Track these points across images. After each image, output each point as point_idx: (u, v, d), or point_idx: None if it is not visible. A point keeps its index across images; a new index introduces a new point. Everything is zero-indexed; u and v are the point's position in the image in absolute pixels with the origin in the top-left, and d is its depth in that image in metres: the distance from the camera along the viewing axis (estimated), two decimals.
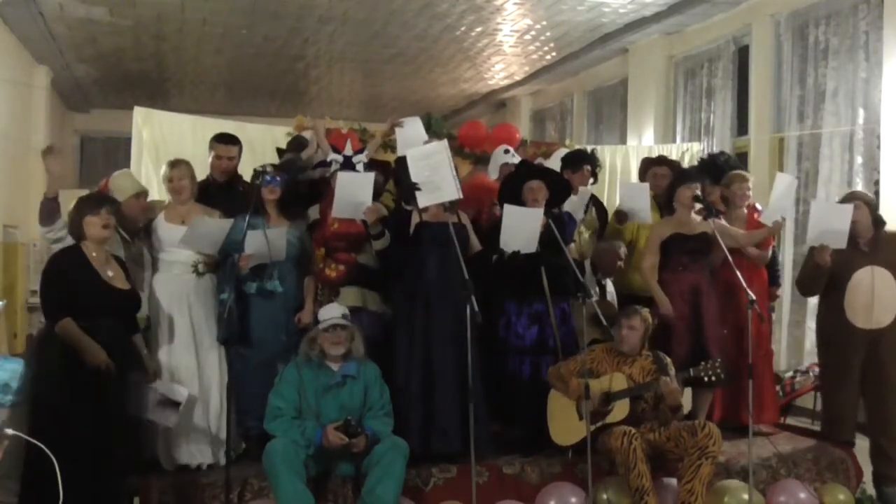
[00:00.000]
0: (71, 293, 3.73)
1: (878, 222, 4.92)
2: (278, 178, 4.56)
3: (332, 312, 4.22)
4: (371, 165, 5.03)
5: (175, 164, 4.57)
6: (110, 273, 3.85)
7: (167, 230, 4.46)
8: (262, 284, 4.51)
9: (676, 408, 4.32)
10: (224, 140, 4.94)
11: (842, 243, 4.66)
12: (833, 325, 4.94)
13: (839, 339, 4.89)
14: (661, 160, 5.90)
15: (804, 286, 5.18)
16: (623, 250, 5.44)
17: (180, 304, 4.43)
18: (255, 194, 4.54)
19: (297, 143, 5.28)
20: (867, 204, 4.86)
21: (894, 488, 4.82)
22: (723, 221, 5.07)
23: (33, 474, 3.63)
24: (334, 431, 3.96)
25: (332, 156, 4.91)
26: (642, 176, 5.89)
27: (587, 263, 5.53)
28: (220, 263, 4.53)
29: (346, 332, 4.19)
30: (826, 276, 4.84)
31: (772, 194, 5.05)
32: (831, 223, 4.66)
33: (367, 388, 4.19)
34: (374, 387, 4.22)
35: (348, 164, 4.80)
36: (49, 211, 4.24)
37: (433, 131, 5.78)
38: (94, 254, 3.85)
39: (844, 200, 4.97)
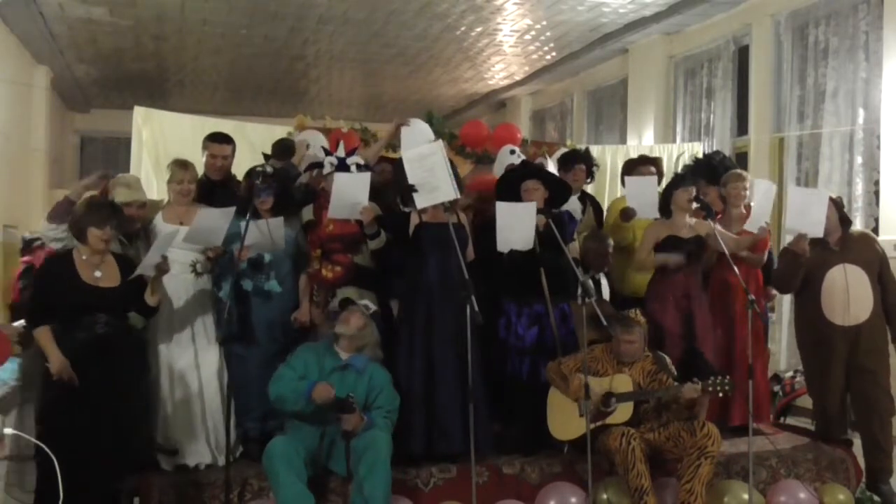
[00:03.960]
0: (52, 300, 3.85)
1: (845, 221, 4.95)
2: (269, 189, 4.56)
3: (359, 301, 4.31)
4: (381, 163, 5.06)
5: (185, 166, 4.55)
6: (98, 273, 3.88)
7: (165, 230, 4.44)
8: (260, 284, 4.51)
9: (692, 404, 4.33)
10: (218, 139, 4.94)
11: (819, 232, 4.68)
12: (812, 326, 4.97)
13: (820, 339, 4.91)
14: (645, 159, 5.86)
15: (782, 282, 5.16)
16: (610, 243, 5.42)
17: (178, 303, 4.42)
18: (248, 194, 4.54)
19: (283, 147, 5.26)
20: (833, 202, 4.88)
21: (889, 486, 4.83)
22: (717, 226, 5.04)
23: (46, 475, 3.65)
24: (322, 384, 3.99)
25: (327, 158, 4.91)
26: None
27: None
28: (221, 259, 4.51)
29: (358, 315, 4.23)
30: (803, 269, 4.86)
31: (753, 201, 5.07)
32: (808, 211, 4.68)
33: (371, 390, 4.19)
34: (384, 392, 4.21)
35: (342, 167, 4.79)
36: (62, 212, 4.24)
37: (434, 131, 5.78)
38: (84, 257, 3.88)
39: None
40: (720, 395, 4.34)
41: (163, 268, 3.92)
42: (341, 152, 4.90)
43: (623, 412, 4.37)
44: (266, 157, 5.11)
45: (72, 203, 4.23)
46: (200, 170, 4.91)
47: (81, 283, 3.83)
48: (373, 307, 4.43)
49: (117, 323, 3.91)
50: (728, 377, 4.35)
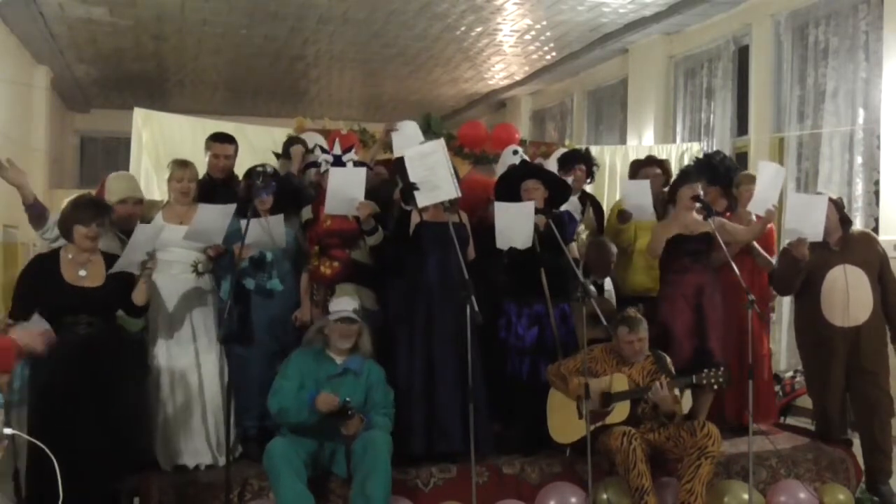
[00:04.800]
0: (34, 298, 3.80)
1: (845, 221, 4.95)
2: (269, 188, 4.54)
3: (344, 305, 4.25)
4: (377, 165, 5.06)
5: (185, 165, 4.55)
6: (82, 273, 3.85)
7: (166, 230, 4.44)
8: (262, 283, 4.51)
9: (671, 414, 4.32)
10: (221, 139, 4.96)
11: (818, 235, 4.66)
12: (812, 326, 4.96)
13: (820, 340, 4.90)
14: (651, 160, 5.87)
15: (782, 284, 5.16)
16: (614, 250, 5.43)
17: (179, 303, 4.42)
18: (247, 194, 4.54)
19: (293, 145, 5.24)
20: (833, 203, 4.87)
21: (888, 486, 4.83)
22: (718, 220, 5.04)
23: (32, 475, 3.63)
24: (325, 393, 3.97)
25: (323, 156, 4.91)
26: (632, 179, 5.79)
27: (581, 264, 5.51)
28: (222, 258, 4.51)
29: (356, 327, 4.21)
30: (804, 272, 4.85)
31: (757, 183, 5.04)
32: (807, 215, 4.66)
33: (369, 388, 4.19)
34: (379, 388, 4.22)
35: (338, 163, 4.81)
36: (36, 215, 4.26)
37: (433, 131, 5.78)
38: (70, 255, 3.86)
39: None
40: (714, 387, 4.34)
41: (147, 266, 3.87)
42: (337, 150, 4.91)
43: (620, 411, 4.37)
44: (277, 155, 5.11)
45: (32, 205, 4.21)
46: (201, 171, 4.92)
47: (64, 284, 3.81)
48: (357, 305, 4.34)
49: (101, 323, 3.87)
50: (722, 369, 4.34)
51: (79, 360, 3.75)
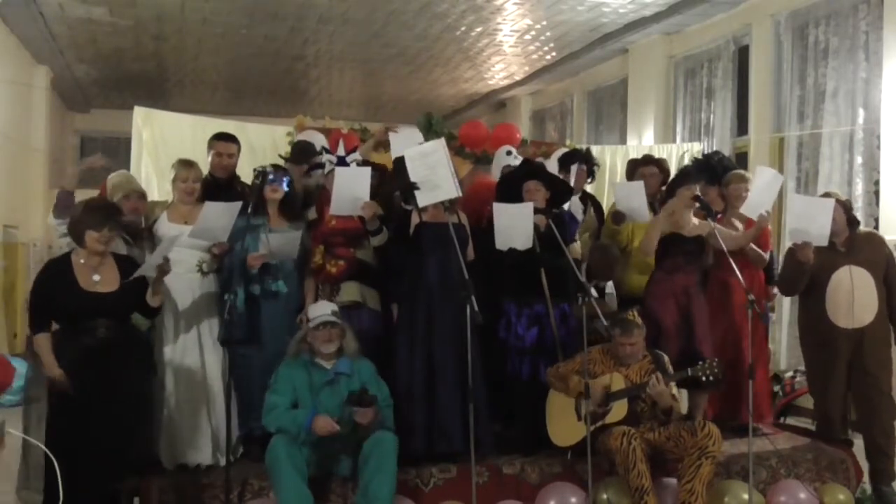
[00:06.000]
0: (50, 305, 3.83)
1: (853, 222, 4.93)
2: (284, 179, 4.55)
3: (322, 310, 4.22)
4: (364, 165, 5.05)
5: (190, 165, 4.55)
6: (96, 277, 3.85)
7: (170, 230, 4.43)
8: (267, 286, 4.50)
9: (668, 410, 4.31)
10: (224, 138, 4.96)
11: (823, 240, 4.65)
12: (816, 327, 4.95)
13: (823, 340, 4.89)
14: (648, 160, 5.87)
15: (786, 285, 5.16)
16: (616, 254, 5.42)
17: (184, 303, 4.41)
18: (255, 194, 4.54)
19: (301, 149, 5.24)
20: (841, 204, 4.86)
21: (890, 488, 4.83)
22: (717, 224, 5.04)
23: (52, 477, 3.64)
24: (324, 417, 3.95)
25: (326, 157, 4.91)
26: (630, 178, 5.81)
27: (584, 267, 5.52)
28: (225, 257, 4.50)
29: (337, 330, 4.18)
30: (808, 274, 4.85)
31: (752, 187, 5.02)
32: (812, 219, 4.65)
33: (363, 386, 4.18)
34: (372, 384, 4.20)
35: (342, 164, 4.82)
36: (65, 204, 4.26)
37: (434, 131, 5.78)
38: (82, 260, 3.86)
39: None
40: (710, 378, 4.33)
41: (164, 269, 3.88)
42: (341, 151, 4.91)
43: (619, 410, 4.37)
44: (284, 159, 5.11)
45: (70, 194, 4.22)
46: (203, 170, 4.92)
47: (79, 290, 3.80)
48: (335, 307, 4.33)
49: (118, 327, 3.88)
50: (717, 360, 4.35)
51: (97, 364, 3.76)
